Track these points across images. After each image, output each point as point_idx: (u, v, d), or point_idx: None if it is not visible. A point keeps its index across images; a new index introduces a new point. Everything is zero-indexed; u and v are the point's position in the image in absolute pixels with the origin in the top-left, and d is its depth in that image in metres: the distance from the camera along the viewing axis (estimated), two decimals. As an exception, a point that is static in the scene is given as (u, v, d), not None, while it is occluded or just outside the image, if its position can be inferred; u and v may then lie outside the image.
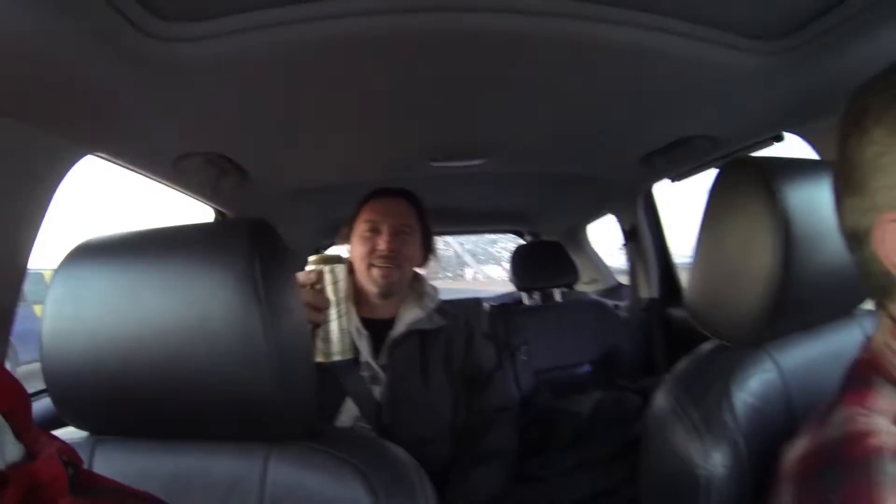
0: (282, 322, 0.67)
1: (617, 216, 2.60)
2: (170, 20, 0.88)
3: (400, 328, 1.55)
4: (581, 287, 3.11)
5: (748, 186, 0.84)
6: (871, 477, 0.56)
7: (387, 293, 1.55)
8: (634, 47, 1.05)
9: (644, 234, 2.39)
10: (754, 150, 1.61)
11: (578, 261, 2.86)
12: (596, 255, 3.20)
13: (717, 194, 0.89)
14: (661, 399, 0.87)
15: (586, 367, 2.35)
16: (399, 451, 0.80)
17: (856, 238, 0.68)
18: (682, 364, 0.92)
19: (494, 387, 1.64)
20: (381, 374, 1.49)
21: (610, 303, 2.69)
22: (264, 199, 1.90)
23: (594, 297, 2.83)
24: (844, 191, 0.68)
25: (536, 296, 2.63)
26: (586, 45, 1.05)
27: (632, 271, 2.51)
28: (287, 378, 0.68)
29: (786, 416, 0.80)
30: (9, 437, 0.42)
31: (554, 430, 1.96)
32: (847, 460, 0.59)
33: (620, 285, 3.11)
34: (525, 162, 1.92)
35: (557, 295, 2.62)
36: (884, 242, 0.64)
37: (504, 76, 1.18)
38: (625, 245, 2.53)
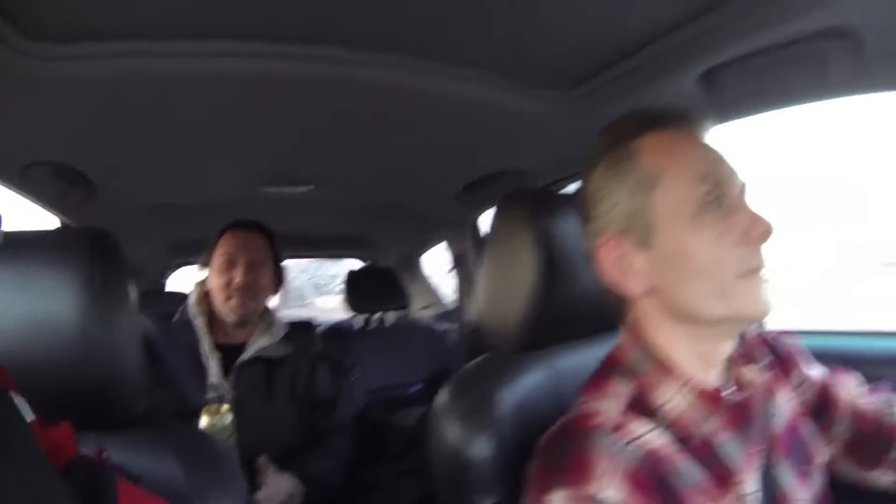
0: (115, 320, 0.77)
1: (448, 243, 2.80)
2: (36, 40, 0.95)
3: (248, 354, 1.66)
4: (418, 312, 3.26)
5: (517, 215, 0.98)
6: (587, 446, 0.69)
7: (242, 322, 1.67)
8: (443, 94, 1.19)
9: (470, 260, 2.58)
10: (565, 185, 1.81)
11: (413, 287, 3.02)
12: (429, 281, 3.37)
13: (496, 221, 1.03)
14: (439, 397, 0.97)
15: (419, 386, 2.50)
16: (212, 438, 0.90)
17: (591, 259, 0.82)
18: (465, 367, 1.03)
19: (338, 410, 1.78)
20: (228, 396, 1.58)
21: (443, 326, 2.86)
22: (112, 213, 1.92)
23: (426, 320, 2.97)
24: (582, 219, 0.84)
25: (374, 320, 2.75)
26: (402, 92, 1.19)
27: (460, 295, 2.70)
28: (119, 371, 0.77)
29: (555, 409, 0.85)
30: (27, 408, 0.53)
31: (386, 442, 2.11)
32: (573, 434, 0.72)
33: (455, 309, 3.28)
34: (353, 191, 2.08)
35: (391, 319, 2.75)
36: (601, 261, 0.79)
37: (327, 114, 1.31)
38: (453, 270, 2.71)
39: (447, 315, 3.15)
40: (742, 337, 0.91)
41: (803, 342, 1.00)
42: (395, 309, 2.75)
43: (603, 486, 0.65)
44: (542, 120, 1.35)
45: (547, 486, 0.68)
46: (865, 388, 0.96)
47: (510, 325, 0.98)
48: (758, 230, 0.72)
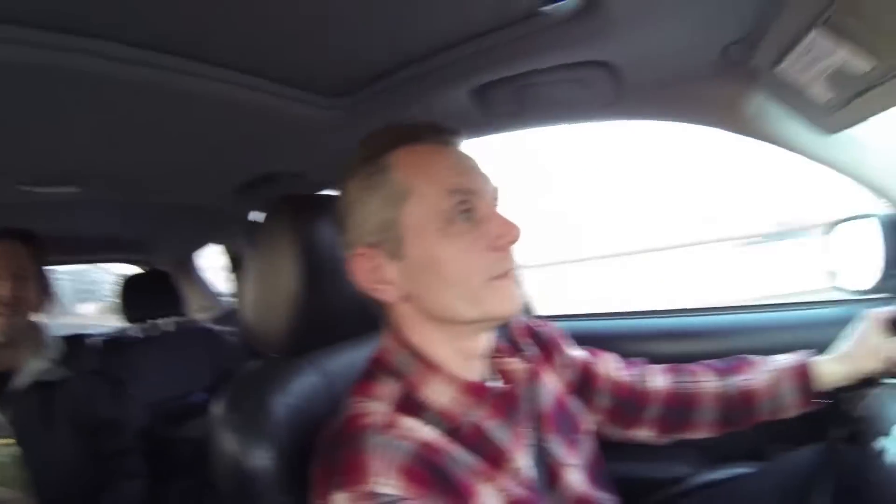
0: None
1: (224, 245, 2.77)
2: None
3: (22, 380, 1.54)
4: (196, 315, 3.16)
5: (280, 221, 1.00)
6: (360, 446, 0.72)
7: (8, 342, 1.52)
8: (215, 95, 1.16)
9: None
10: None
11: (191, 290, 2.93)
12: (206, 283, 3.30)
13: (263, 227, 1.04)
14: (216, 408, 0.96)
15: (203, 395, 2.44)
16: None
17: (348, 268, 0.86)
18: (238, 375, 1.02)
19: (124, 431, 1.71)
20: (4, 430, 1.46)
21: (223, 328, 2.81)
22: None
23: (205, 324, 2.90)
24: (339, 229, 0.88)
25: (152, 327, 2.62)
26: (173, 92, 1.14)
27: (238, 297, 2.66)
28: None
29: (328, 411, 0.88)
30: None
31: (173, 457, 2.07)
32: (346, 436, 0.75)
33: (234, 311, 3.21)
34: (123, 191, 1.96)
35: (168, 325, 2.64)
36: (356, 271, 0.84)
37: (92, 111, 1.23)
38: (231, 273, 2.68)
39: (227, 317, 3.10)
40: (507, 329, 1.04)
41: (565, 325, 1.17)
42: (173, 315, 2.66)
43: (380, 483, 0.69)
44: (318, 125, 1.36)
45: (328, 490, 0.72)
46: (622, 363, 1.15)
47: (277, 331, 1.00)
48: (506, 237, 0.80)
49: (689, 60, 1.14)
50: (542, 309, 1.92)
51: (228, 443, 0.89)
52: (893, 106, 0.98)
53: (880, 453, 0.95)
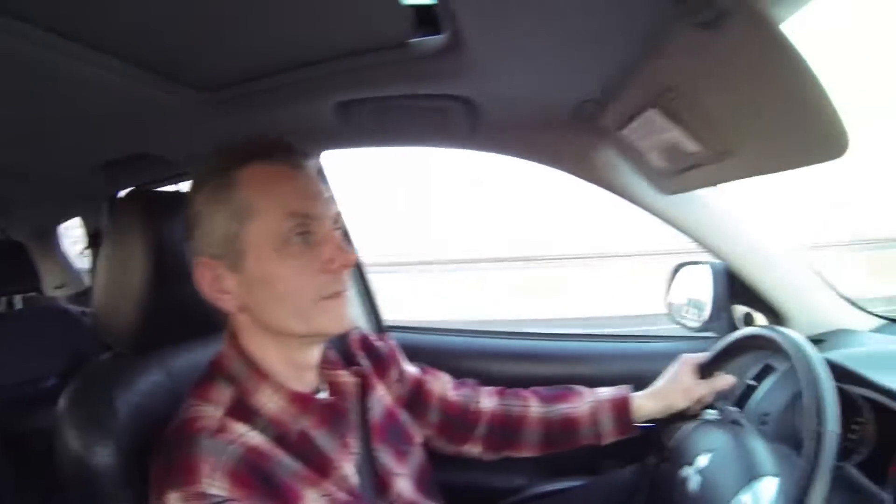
0: None
1: (83, 219, 2.67)
2: None
3: None
4: (52, 292, 3.01)
5: (131, 216, 1.01)
6: (190, 448, 0.77)
7: None
8: (81, 75, 1.13)
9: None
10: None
11: (47, 264, 2.79)
12: (66, 258, 3.13)
13: (115, 221, 1.07)
14: (61, 402, 0.96)
15: (53, 380, 2.34)
16: None
17: (194, 273, 0.89)
18: (84, 370, 1.03)
19: None
20: None
21: (79, 308, 2.67)
22: None
23: (61, 303, 2.77)
24: (187, 236, 0.91)
25: (6, 303, 2.47)
26: (33, 64, 1.09)
27: (93, 284, 2.55)
28: None
29: (170, 409, 0.89)
30: None
31: (27, 450, 1.97)
32: (180, 438, 0.80)
33: (90, 290, 3.06)
34: None
35: (19, 302, 2.51)
36: (198, 278, 0.87)
37: None
38: (88, 249, 2.59)
39: (84, 296, 2.98)
40: (343, 341, 1.10)
41: (402, 338, 1.26)
42: (26, 290, 2.52)
43: (209, 485, 0.74)
44: (185, 116, 1.37)
45: (164, 489, 0.75)
46: (453, 382, 1.25)
47: (125, 327, 1.01)
48: (338, 261, 0.86)
49: (544, 108, 1.24)
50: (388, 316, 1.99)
51: (72, 440, 0.91)
52: (716, 184, 1.12)
53: (683, 481, 1.08)
